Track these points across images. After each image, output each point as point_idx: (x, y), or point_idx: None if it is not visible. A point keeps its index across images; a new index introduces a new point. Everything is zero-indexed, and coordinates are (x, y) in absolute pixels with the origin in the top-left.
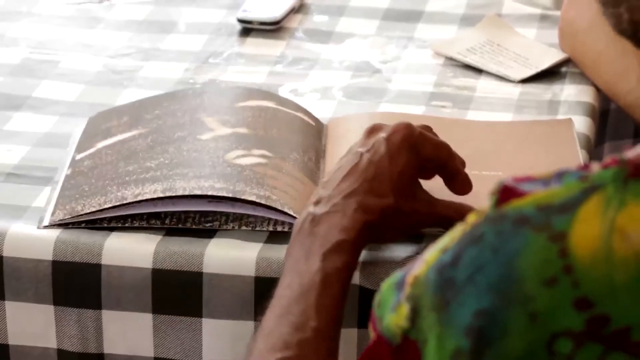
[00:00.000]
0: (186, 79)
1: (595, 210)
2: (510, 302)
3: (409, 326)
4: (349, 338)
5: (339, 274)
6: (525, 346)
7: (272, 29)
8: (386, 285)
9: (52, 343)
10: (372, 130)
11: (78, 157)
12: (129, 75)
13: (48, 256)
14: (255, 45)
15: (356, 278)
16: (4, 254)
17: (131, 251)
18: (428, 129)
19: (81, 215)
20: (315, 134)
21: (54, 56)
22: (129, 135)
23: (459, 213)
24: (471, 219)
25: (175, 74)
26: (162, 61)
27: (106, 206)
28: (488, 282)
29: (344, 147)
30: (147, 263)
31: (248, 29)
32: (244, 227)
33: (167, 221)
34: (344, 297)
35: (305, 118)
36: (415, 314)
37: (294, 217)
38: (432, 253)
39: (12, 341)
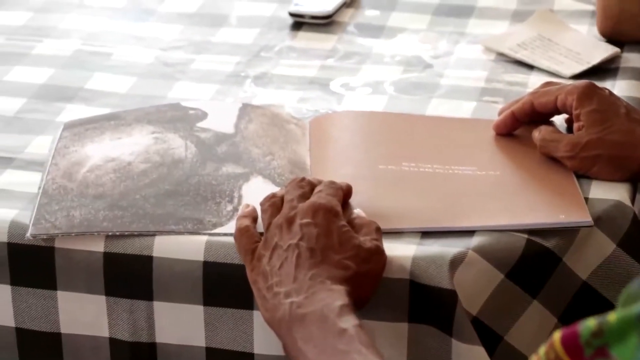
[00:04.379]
0: (238, 72)
1: None
2: None
3: None
4: (399, 332)
5: (361, 328)
6: None
7: (324, 22)
8: (619, 318)
9: (105, 332)
10: (288, 221)
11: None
12: (180, 68)
13: (100, 248)
14: (307, 39)
15: (407, 272)
16: (56, 246)
17: (183, 243)
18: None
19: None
20: (297, 137)
21: (106, 48)
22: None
23: (377, 230)
24: None
25: (226, 67)
26: (214, 54)
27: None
28: None
29: (329, 143)
30: (199, 255)
31: (300, 22)
32: None
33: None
34: (376, 348)
35: (289, 125)
36: None
37: None
38: None
39: (64, 330)
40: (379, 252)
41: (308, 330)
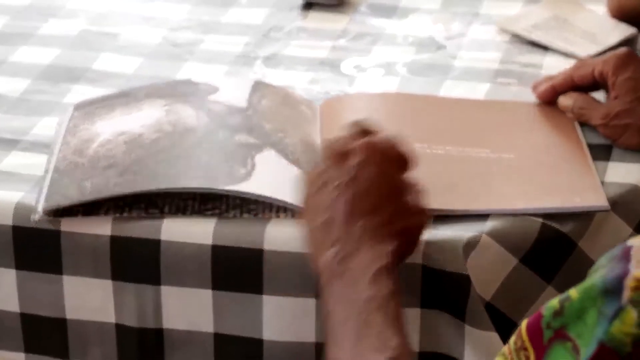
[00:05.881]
0: (247, 52)
1: None
2: None
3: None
4: (412, 318)
5: (391, 297)
6: None
7: (335, 3)
8: (580, 294)
9: (111, 318)
10: (340, 156)
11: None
12: (189, 48)
13: (107, 231)
14: (318, 19)
15: (419, 257)
16: (62, 229)
17: (191, 227)
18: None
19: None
20: (308, 119)
21: (113, 28)
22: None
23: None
24: None
25: (235, 47)
26: (223, 35)
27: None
28: None
29: (340, 126)
30: (207, 239)
31: (310, 2)
32: (245, 215)
33: (165, 209)
34: (403, 317)
35: (302, 107)
36: None
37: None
38: None
39: (69, 315)
40: (423, 207)
41: (342, 290)
